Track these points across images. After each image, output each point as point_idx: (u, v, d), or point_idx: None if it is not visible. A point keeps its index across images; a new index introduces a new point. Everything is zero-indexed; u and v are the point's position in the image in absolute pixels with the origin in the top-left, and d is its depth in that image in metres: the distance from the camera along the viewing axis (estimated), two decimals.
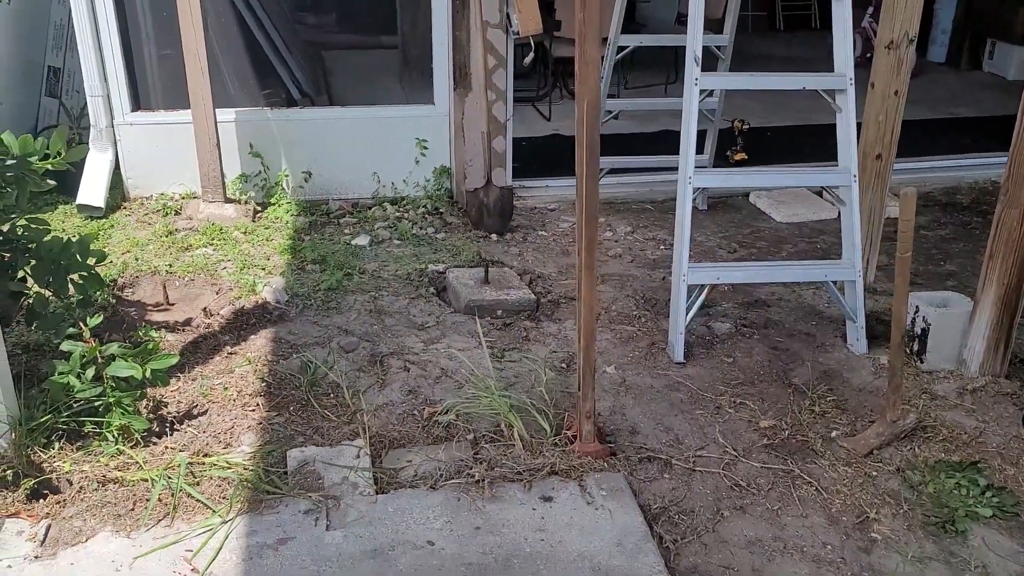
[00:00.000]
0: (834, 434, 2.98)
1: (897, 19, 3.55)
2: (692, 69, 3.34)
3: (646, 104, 5.89)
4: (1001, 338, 3.19)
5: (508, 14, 4.64)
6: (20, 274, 2.94)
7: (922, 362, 3.33)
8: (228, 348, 3.42)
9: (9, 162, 2.77)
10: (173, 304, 3.75)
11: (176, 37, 4.54)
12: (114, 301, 3.71)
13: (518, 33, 4.69)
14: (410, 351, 3.47)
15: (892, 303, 2.85)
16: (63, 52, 5.56)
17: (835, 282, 3.51)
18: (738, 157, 5.53)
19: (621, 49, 4.69)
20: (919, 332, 3.33)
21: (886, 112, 3.68)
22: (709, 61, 3.70)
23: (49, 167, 2.87)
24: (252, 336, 3.53)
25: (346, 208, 4.99)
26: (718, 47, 4.62)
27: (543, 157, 5.77)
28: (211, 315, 3.65)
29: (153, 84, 5.03)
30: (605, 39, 4.63)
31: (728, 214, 5.06)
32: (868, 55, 6.59)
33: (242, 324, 3.60)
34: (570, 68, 7.23)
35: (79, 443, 2.75)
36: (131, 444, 2.76)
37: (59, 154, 2.89)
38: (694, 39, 3.34)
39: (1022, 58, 8.10)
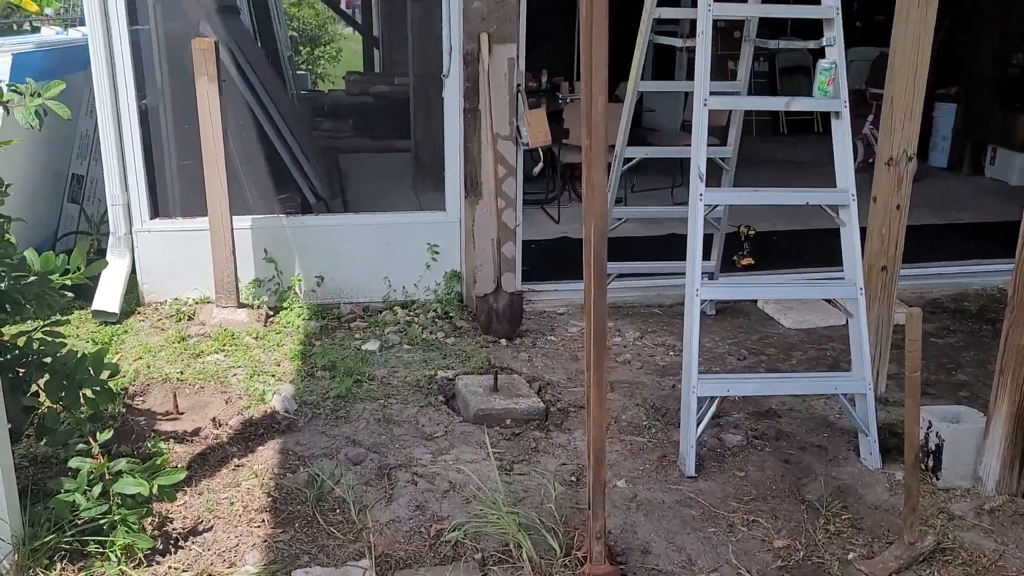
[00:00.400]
0: (851, 556, 2.91)
1: (896, 137, 3.64)
2: (696, 185, 3.43)
3: (652, 213, 6.01)
4: (1017, 455, 3.14)
5: (518, 127, 4.80)
6: (32, 388, 2.96)
7: (937, 479, 3.28)
8: (236, 460, 3.41)
9: (31, 279, 2.83)
10: (183, 413, 3.76)
11: (196, 147, 4.70)
12: (124, 411, 3.72)
13: (528, 144, 4.84)
14: (418, 463, 3.45)
15: (904, 418, 2.83)
16: (87, 161, 5.75)
17: (846, 394, 3.49)
18: (745, 262, 5.60)
19: (628, 160, 4.81)
20: (933, 448, 3.29)
21: (889, 225, 3.73)
22: (714, 170, 3.79)
23: (68, 282, 2.94)
24: (260, 447, 3.51)
25: (357, 312, 5.04)
26: (722, 159, 4.73)
27: (552, 260, 5.85)
28: (220, 425, 3.65)
29: (172, 192, 5.18)
30: (612, 146, 4.76)
31: (737, 319, 5.08)
32: (870, 160, 6.74)
33: (250, 435, 3.60)
34: (578, 172, 7.43)
35: (81, 563, 2.71)
36: (134, 564, 2.72)
37: (79, 268, 2.95)
38: (698, 154, 3.44)
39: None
